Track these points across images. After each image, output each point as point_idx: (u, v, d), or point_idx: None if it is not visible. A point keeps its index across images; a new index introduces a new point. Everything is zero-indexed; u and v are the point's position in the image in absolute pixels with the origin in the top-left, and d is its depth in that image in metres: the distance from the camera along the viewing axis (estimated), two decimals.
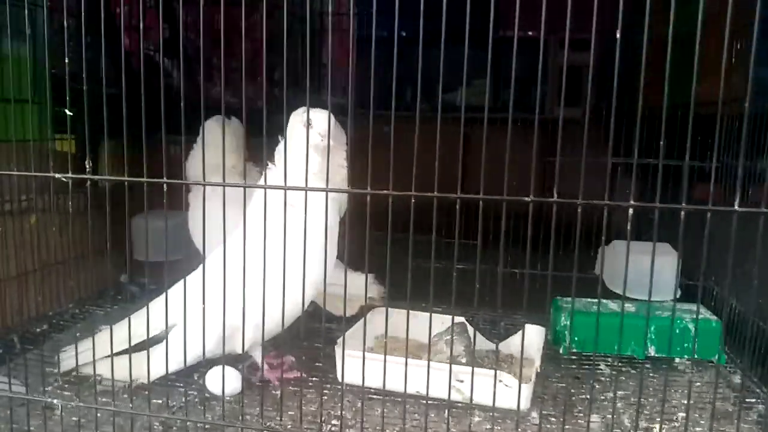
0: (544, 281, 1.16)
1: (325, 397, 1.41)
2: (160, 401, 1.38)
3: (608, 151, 1.24)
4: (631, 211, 1.02)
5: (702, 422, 1.38)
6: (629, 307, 1.77)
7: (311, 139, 1.34)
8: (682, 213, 1.00)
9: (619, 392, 1.52)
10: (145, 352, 1.35)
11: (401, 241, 1.09)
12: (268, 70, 1.13)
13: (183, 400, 1.38)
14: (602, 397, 1.50)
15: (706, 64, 0.97)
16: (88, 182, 1.27)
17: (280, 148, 1.45)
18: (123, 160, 1.20)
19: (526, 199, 1.08)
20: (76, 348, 1.34)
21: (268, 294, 1.17)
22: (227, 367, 1.37)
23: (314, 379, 1.52)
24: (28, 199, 1.78)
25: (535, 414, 1.38)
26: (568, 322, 1.75)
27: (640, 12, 0.97)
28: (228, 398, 1.40)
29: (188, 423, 1.32)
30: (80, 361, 1.37)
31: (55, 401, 1.31)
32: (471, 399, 1.28)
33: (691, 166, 1.09)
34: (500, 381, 1.34)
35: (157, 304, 1.38)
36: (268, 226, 1.19)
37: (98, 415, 1.26)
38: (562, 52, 0.99)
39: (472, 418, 1.36)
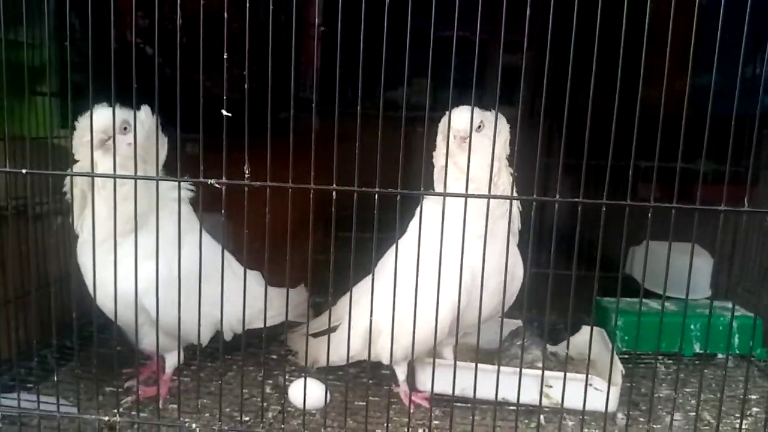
0: (566, 281, 1.18)
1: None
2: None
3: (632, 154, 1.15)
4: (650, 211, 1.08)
5: None
6: (670, 306, 1.83)
7: (451, 135, 1.23)
8: (722, 215, 1.06)
9: (687, 389, 1.57)
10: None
11: None
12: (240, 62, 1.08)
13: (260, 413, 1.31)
14: (671, 393, 1.54)
15: None
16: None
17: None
18: None
19: (553, 199, 1.08)
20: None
21: (407, 306, 1.15)
22: (310, 379, 1.32)
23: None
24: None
25: (621, 415, 1.40)
26: (620, 323, 1.79)
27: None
28: (311, 411, 1.35)
29: None
30: None
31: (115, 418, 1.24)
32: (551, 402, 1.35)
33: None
34: (590, 385, 1.36)
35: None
36: (425, 235, 1.16)
37: None
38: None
39: (564, 422, 1.37)
